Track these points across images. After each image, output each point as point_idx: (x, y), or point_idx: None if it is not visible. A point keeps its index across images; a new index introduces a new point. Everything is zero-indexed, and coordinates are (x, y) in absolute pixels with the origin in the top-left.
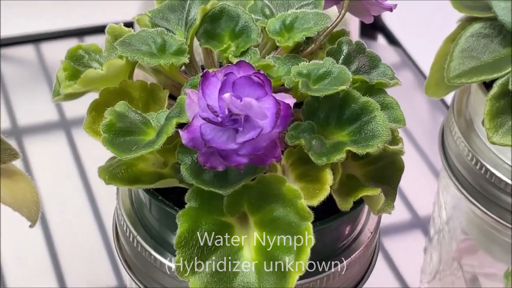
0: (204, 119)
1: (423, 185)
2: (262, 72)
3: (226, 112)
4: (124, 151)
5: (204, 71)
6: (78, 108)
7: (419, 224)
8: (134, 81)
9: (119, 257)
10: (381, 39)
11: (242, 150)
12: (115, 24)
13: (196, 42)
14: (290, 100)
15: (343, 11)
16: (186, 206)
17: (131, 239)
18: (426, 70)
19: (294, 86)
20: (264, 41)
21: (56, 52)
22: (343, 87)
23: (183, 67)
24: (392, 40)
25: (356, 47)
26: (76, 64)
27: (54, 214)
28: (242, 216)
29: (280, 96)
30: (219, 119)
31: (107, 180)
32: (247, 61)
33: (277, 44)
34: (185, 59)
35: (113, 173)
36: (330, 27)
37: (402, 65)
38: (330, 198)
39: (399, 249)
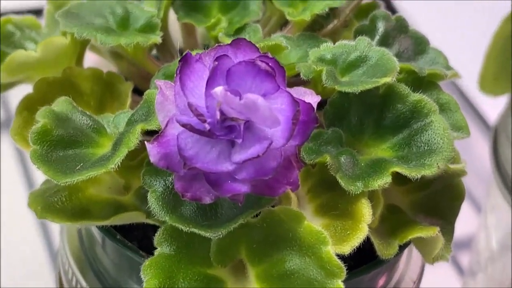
0: (183, 125)
1: None
2: (270, 55)
3: (218, 116)
4: (64, 172)
5: (185, 53)
6: None
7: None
8: (84, 68)
9: None
10: None
11: (241, 173)
12: None
13: (173, 16)
14: (313, 98)
15: None
16: (157, 252)
17: None
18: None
19: (314, 77)
20: (267, 15)
21: None
22: (387, 79)
23: (154, 51)
24: (389, 7)
25: (396, 24)
26: (4, 44)
27: None
28: (237, 266)
29: (298, 92)
30: (207, 126)
31: (39, 213)
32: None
33: (288, 17)
34: (156, 38)
35: (49, 202)
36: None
37: None
38: None
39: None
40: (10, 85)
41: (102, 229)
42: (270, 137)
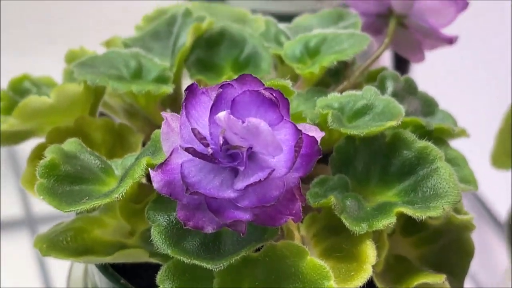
0: (187, 149)
1: None
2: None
3: (221, 141)
4: (69, 202)
5: (190, 84)
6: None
7: None
8: (96, 118)
9: None
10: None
11: (243, 201)
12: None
13: (187, 74)
14: (317, 133)
15: (386, 40)
16: None
17: None
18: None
19: (320, 122)
20: (279, 75)
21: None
22: (392, 123)
23: (168, 110)
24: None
25: (404, 84)
26: (18, 96)
27: None
28: None
29: (302, 128)
30: (210, 150)
31: (44, 251)
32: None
33: (297, 71)
34: (168, 88)
35: (54, 241)
36: (369, 61)
37: None
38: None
39: None
40: (23, 135)
41: (106, 271)
42: (272, 166)
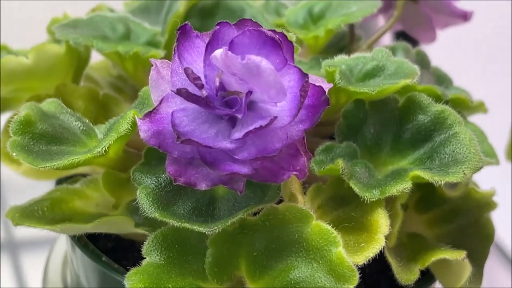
0: (179, 92)
1: None
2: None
3: (217, 84)
4: (45, 159)
5: (183, 24)
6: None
7: None
8: (79, 86)
9: None
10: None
11: (241, 152)
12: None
13: None
14: (324, 84)
15: (395, 12)
16: (144, 262)
17: None
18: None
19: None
20: None
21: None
22: (407, 81)
23: None
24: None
25: (416, 57)
26: None
27: None
28: (236, 283)
29: (309, 79)
30: (204, 93)
31: (16, 220)
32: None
33: (299, 36)
34: (158, 52)
35: (28, 210)
36: (377, 34)
37: None
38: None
39: None
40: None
41: (86, 250)
42: (273, 113)
